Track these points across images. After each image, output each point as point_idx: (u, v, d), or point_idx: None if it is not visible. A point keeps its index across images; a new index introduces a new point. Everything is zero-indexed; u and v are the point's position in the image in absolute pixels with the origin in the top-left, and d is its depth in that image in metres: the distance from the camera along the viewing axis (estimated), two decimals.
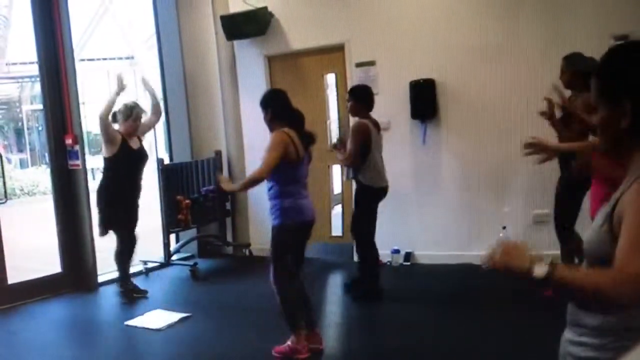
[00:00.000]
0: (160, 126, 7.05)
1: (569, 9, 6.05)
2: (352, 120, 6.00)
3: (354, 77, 7.05)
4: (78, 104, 6.55)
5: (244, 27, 7.34)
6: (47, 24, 6.42)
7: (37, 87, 9.00)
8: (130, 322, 5.52)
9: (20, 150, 20.55)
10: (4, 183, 6.66)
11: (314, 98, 7.38)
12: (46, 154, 7.69)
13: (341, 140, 5.96)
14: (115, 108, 6.02)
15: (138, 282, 6.58)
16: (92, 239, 6.54)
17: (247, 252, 7.75)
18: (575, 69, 4.95)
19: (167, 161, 7.67)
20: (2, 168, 6.53)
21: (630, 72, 1.62)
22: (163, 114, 7.11)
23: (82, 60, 16.12)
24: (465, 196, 6.74)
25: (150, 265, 7.14)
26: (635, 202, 1.56)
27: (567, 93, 4.98)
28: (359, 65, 7.07)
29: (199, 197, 7.41)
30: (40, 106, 7.53)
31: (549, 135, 5.36)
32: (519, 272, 1.58)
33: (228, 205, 7.87)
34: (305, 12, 7.33)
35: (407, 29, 6.80)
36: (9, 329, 5.58)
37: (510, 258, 1.59)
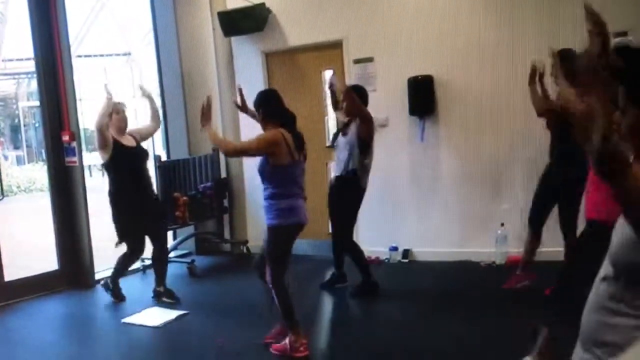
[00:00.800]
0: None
1: (566, 5, 6.03)
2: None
3: (352, 74, 7.03)
4: (75, 100, 6.53)
5: (242, 23, 7.32)
6: (44, 20, 6.39)
7: (34, 84, 8.98)
8: (128, 320, 5.50)
9: (17, 147, 20.54)
10: (1, 180, 6.64)
11: (311, 95, 7.37)
12: (43, 151, 7.69)
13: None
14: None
15: (135, 279, 6.60)
16: (89, 236, 6.54)
17: (245, 249, 7.74)
18: (568, 64, 4.92)
19: (164, 158, 7.64)
20: None
21: None
22: (160, 110, 7.08)
23: (79, 56, 16.06)
24: (463, 193, 6.72)
25: (147, 262, 7.09)
26: None
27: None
28: (357, 61, 7.06)
29: (197, 194, 7.39)
30: (37, 103, 7.50)
31: (546, 133, 5.39)
32: (604, 133, 1.39)
33: (226, 202, 7.87)
34: (303, 8, 7.31)
35: (405, 25, 6.79)
36: (6, 326, 5.57)
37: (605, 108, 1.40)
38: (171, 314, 5.54)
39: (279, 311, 4.49)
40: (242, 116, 7.61)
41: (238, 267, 7.19)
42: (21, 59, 16.81)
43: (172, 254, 7.29)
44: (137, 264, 6.96)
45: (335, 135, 6.03)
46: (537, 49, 6.09)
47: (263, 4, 7.31)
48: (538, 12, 6.21)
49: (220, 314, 5.61)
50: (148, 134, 6.40)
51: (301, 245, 7.05)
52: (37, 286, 6.33)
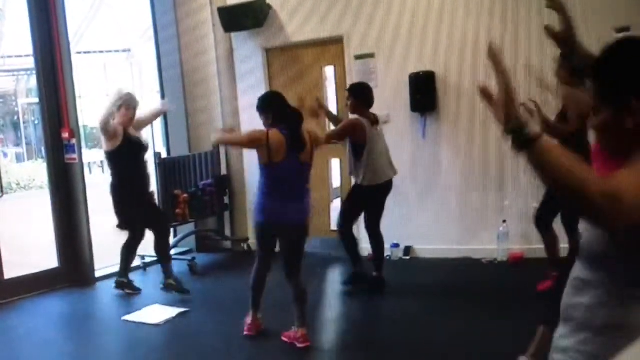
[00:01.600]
0: (158, 120, 6.99)
1: (569, 3, 5.99)
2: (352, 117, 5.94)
3: (353, 70, 7.01)
4: (74, 97, 6.51)
5: (242, 19, 7.29)
6: (43, 16, 6.35)
7: (33, 80, 8.93)
8: (128, 317, 5.49)
9: (17, 144, 20.49)
10: (0, 177, 6.61)
11: (312, 91, 7.28)
12: (42, 148, 7.64)
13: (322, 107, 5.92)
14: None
15: (136, 277, 6.57)
16: (89, 234, 6.52)
17: (246, 247, 7.70)
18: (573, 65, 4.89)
19: (164, 155, 7.59)
20: None
21: (634, 69, 1.58)
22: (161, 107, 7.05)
23: (79, 53, 16.02)
24: (465, 190, 6.70)
25: (148, 260, 7.08)
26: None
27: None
28: (358, 57, 7.02)
29: (197, 191, 7.37)
30: (37, 99, 7.47)
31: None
32: (512, 116, 1.51)
33: (226, 200, 7.84)
34: (304, 3, 7.28)
35: (406, 21, 6.76)
36: (6, 324, 5.55)
37: (511, 98, 1.52)
38: (172, 312, 5.53)
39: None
40: (243, 112, 7.65)
41: (239, 265, 7.15)
42: (20, 56, 16.77)
43: (172, 252, 7.26)
44: (136, 262, 6.95)
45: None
46: (539, 45, 6.07)
47: (263, 0, 7.27)
48: (540, 7, 6.16)
49: (221, 311, 5.61)
50: (145, 124, 6.44)
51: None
52: (37, 284, 6.31)
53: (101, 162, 5.88)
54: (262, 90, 7.37)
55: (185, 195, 7.15)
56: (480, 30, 6.38)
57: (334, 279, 6.56)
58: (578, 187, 1.40)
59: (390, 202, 6.30)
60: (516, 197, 6.41)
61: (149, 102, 6.51)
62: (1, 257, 6.04)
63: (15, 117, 20.54)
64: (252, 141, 4.49)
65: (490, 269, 6.38)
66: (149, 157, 6.30)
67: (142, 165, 6.04)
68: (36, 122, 18.32)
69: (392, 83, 6.82)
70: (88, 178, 6.69)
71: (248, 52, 7.66)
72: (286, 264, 4.62)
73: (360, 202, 5.85)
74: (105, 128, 5.74)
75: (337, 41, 7.15)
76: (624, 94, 1.57)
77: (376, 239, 5.93)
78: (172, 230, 7.39)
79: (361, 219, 6.06)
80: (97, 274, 6.67)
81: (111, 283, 6.34)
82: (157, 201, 6.31)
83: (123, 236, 6.17)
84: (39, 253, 7.39)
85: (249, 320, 4.86)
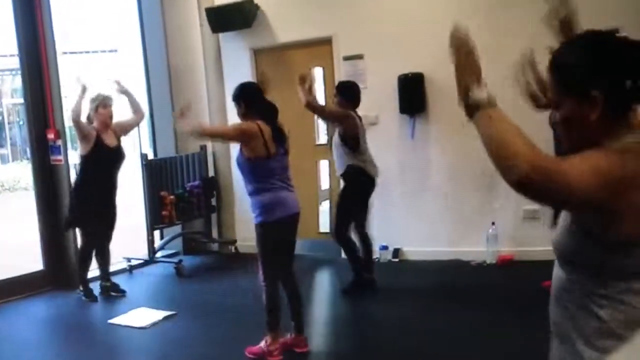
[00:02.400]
0: (144, 120, 6.92)
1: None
2: None
3: (341, 71, 6.98)
4: (60, 97, 6.43)
5: (230, 19, 7.26)
6: (28, 15, 6.28)
7: (18, 80, 8.83)
8: (114, 321, 5.45)
9: (1, 145, 20.31)
10: None
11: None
12: (27, 149, 7.56)
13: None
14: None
15: (122, 279, 6.52)
16: (75, 236, 6.44)
17: (233, 249, 7.66)
18: None
19: (151, 156, 7.56)
20: None
21: (595, 61, 1.57)
22: (147, 108, 7.01)
23: (65, 53, 15.89)
24: (454, 192, 6.68)
25: (134, 262, 7.04)
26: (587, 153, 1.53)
27: None
28: (346, 58, 7.00)
29: (184, 192, 7.32)
30: (21, 100, 7.39)
31: (538, 132, 5.33)
32: (464, 80, 1.56)
33: (213, 201, 7.80)
34: (292, 4, 7.26)
35: (395, 22, 6.73)
36: None
37: (468, 61, 1.58)
38: (158, 315, 5.48)
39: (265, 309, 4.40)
40: (230, 114, 7.57)
41: (226, 267, 7.12)
42: (5, 55, 16.60)
43: (159, 254, 7.29)
44: (122, 264, 6.90)
45: (330, 139, 6.06)
46: (528, 45, 6.05)
47: (251, 0, 7.24)
48: (530, 9, 6.15)
49: (207, 314, 5.56)
50: (131, 127, 6.42)
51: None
52: (21, 286, 6.24)
53: (80, 156, 5.79)
54: None
55: (172, 196, 7.11)
56: (470, 32, 6.35)
57: (323, 282, 6.54)
58: (511, 153, 1.41)
59: (378, 203, 6.29)
60: (505, 199, 6.38)
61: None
62: None
63: (0, 118, 20.36)
64: (242, 133, 4.29)
65: (480, 271, 6.37)
66: (129, 160, 6.25)
67: (112, 175, 6.04)
68: (21, 122, 18.16)
69: (381, 84, 6.79)
70: (74, 179, 6.62)
71: (236, 52, 7.62)
72: (282, 265, 4.45)
73: (360, 196, 5.82)
74: (78, 122, 5.73)
75: (326, 42, 7.11)
76: (585, 86, 1.56)
77: (366, 240, 5.93)
78: (158, 232, 7.38)
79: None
80: None
81: (97, 286, 6.26)
82: (116, 211, 6.22)
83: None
84: (23, 255, 7.29)
85: (272, 347, 4.41)
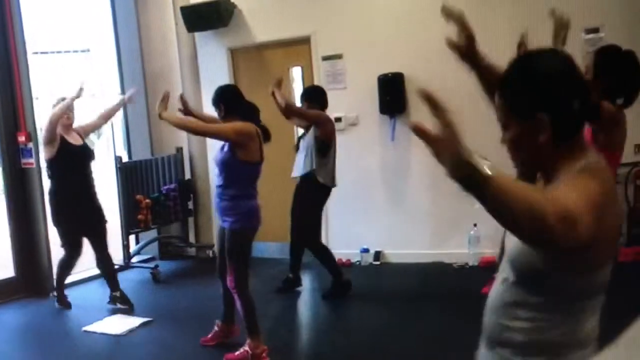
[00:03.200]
0: (119, 122, 6.81)
1: (540, 2, 5.96)
2: None
3: (320, 71, 6.93)
4: (31, 99, 6.32)
5: (206, 18, 7.15)
6: None
7: None
8: (89, 328, 5.35)
9: None
10: None
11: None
12: None
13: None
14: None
15: (96, 286, 6.46)
16: (47, 241, 6.34)
17: (211, 254, 7.54)
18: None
19: (125, 159, 7.45)
20: None
21: (541, 84, 1.56)
22: (121, 110, 6.87)
23: (35, 53, 15.64)
24: (435, 193, 6.61)
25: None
26: (568, 177, 1.51)
27: None
28: (325, 58, 6.93)
29: (160, 196, 7.23)
30: None
31: None
32: (456, 155, 1.32)
33: (190, 205, 7.71)
34: (270, 2, 7.18)
35: (375, 21, 6.68)
36: None
37: (451, 136, 1.33)
38: (134, 322, 5.41)
39: (242, 315, 4.39)
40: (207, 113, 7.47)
41: (203, 272, 7.01)
42: None
43: (134, 259, 7.21)
44: (97, 270, 6.75)
45: (299, 140, 6.02)
46: (509, 47, 6.01)
47: None
48: (511, 8, 6.12)
49: (184, 320, 5.49)
50: (93, 130, 6.30)
51: (264, 248, 6.93)
52: None
53: (46, 161, 5.70)
54: None
55: (148, 200, 7.02)
56: (450, 31, 6.29)
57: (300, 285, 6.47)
58: (539, 219, 1.29)
59: (359, 205, 6.23)
60: None
61: (108, 102, 6.29)
62: None
63: None
64: (241, 134, 4.22)
65: (462, 273, 6.35)
66: (103, 162, 6.12)
67: (85, 174, 5.84)
68: None
69: (360, 84, 6.75)
70: (46, 183, 6.48)
71: (212, 52, 7.53)
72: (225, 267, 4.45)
73: (319, 201, 5.83)
74: (53, 124, 5.57)
75: (304, 41, 7.05)
76: (532, 109, 1.54)
77: (322, 247, 5.98)
78: (134, 236, 7.25)
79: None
80: None
81: (72, 292, 6.18)
82: (104, 213, 6.00)
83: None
84: None
85: (258, 350, 4.35)
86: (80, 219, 5.71)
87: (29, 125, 6.25)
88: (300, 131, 7.00)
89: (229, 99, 4.39)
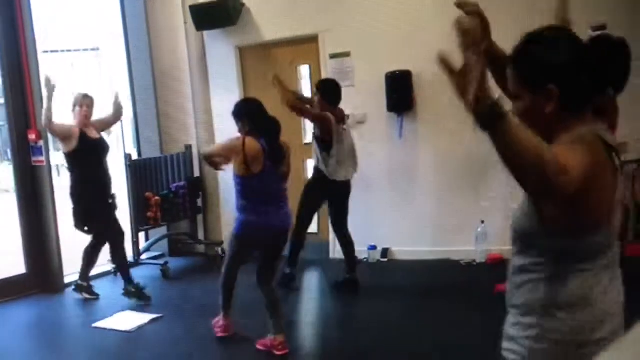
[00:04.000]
0: (128, 120, 6.84)
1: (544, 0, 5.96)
2: None
3: (328, 69, 6.92)
4: (42, 97, 6.29)
5: (214, 17, 7.17)
6: (8, 14, 6.18)
7: None
8: (99, 324, 5.37)
9: None
10: None
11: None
12: (8, 150, 7.44)
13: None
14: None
15: (106, 282, 6.49)
16: (58, 238, 6.37)
17: (220, 251, 7.55)
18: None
19: (135, 156, 7.48)
20: None
21: (551, 57, 1.67)
22: (131, 107, 6.91)
23: (46, 52, 15.71)
24: (442, 190, 6.64)
25: None
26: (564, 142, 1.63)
27: None
28: (333, 56, 6.93)
29: (169, 193, 7.24)
30: (2, 100, 7.26)
31: None
32: (475, 84, 1.47)
33: (199, 202, 7.73)
34: (278, 1, 7.19)
35: (383, 19, 6.67)
36: None
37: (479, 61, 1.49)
38: (144, 318, 5.43)
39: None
40: (216, 113, 7.52)
41: (212, 269, 7.01)
42: None
43: (144, 256, 7.24)
44: (107, 267, 6.80)
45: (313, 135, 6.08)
46: (513, 43, 6.01)
47: None
48: (516, 6, 6.12)
49: (194, 317, 5.48)
50: (107, 126, 6.34)
51: None
52: (4, 290, 6.14)
53: (65, 154, 5.73)
54: (235, 89, 7.26)
55: (157, 197, 7.03)
56: (448, 32, 6.30)
57: (310, 282, 6.49)
58: (539, 156, 1.44)
59: (367, 203, 6.23)
60: (494, 197, 6.35)
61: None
62: None
63: None
64: (229, 151, 4.31)
65: (469, 270, 6.34)
66: (113, 159, 6.17)
67: (102, 167, 5.93)
68: (1, 123, 17.96)
69: (368, 82, 6.75)
70: (56, 181, 6.55)
71: (221, 50, 7.55)
72: (262, 271, 4.53)
73: (319, 195, 5.89)
74: (51, 128, 5.68)
75: (312, 39, 7.06)
76: (542, 80, 1.66)
77: (344, 240, 5.99)
78: (143, 234, 7.28)
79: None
80: (67, 280, 6.49)
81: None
82: (117, 208, 6.11)
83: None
84: (5, 259, 7.18)
85: (220, 321, 4.76)
86: (103, 213, 5.85)
87: (39, 123, 6.24)
88: (309, 125, 7.09)
89: (253, 115, 4.41)
